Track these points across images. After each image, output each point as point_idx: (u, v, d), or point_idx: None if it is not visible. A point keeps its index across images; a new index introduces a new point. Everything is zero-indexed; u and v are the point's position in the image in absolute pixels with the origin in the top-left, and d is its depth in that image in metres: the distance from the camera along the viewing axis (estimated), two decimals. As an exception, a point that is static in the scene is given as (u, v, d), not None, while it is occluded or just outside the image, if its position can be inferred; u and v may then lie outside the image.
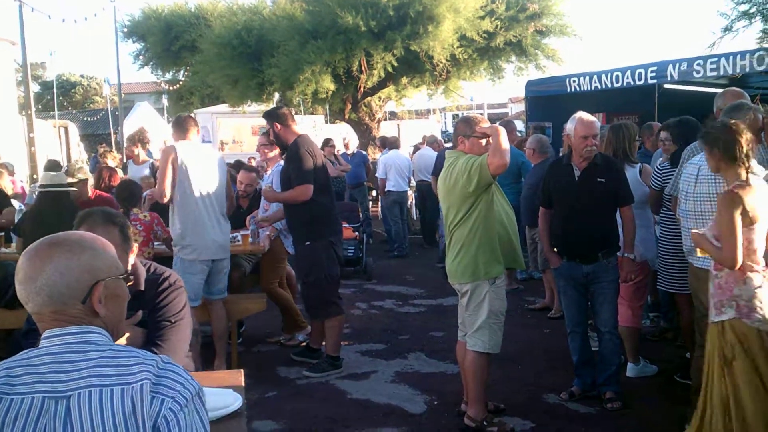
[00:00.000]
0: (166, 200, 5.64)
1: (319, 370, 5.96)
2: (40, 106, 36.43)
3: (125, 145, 12.22)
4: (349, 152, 13.71)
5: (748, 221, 3.65)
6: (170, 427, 1.66)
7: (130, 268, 2.96)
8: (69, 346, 1.72)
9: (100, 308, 1.81)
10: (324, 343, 6.11)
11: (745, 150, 3.75)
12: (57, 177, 5.87)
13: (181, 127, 5.85)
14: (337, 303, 6.02)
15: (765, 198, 3.75)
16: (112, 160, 10.08)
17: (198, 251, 5.71)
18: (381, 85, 16.65)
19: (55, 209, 5.65)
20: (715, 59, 8.75)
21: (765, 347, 3.72)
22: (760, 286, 3.72)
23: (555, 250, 5.17)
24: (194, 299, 5.65)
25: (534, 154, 7.53)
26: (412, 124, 28.05)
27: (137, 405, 1.65)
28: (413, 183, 12.80)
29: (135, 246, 3.02)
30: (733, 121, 3.91)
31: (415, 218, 14.41)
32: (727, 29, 4.00)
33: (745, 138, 3.77)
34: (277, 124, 5.89)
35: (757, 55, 8.11)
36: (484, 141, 4.54)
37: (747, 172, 3.76)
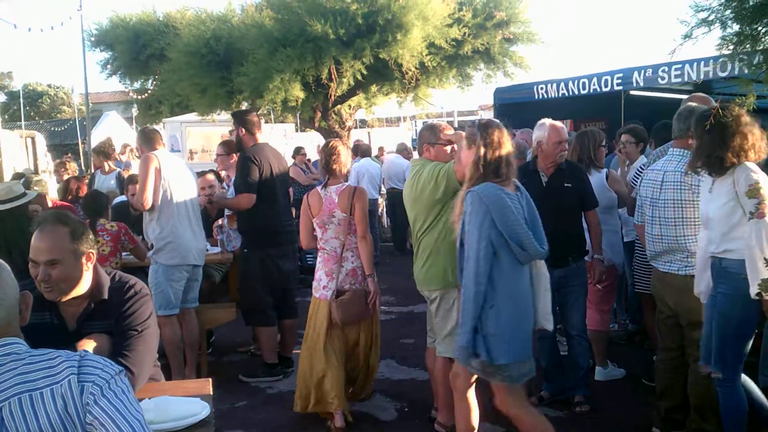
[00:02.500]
0: (148, 207, 5.59)
1: (253, 375, 6.09)
2: (6, 116, 35.97)
3: (93, 155, 12.10)
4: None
5: None
6: (94, 411, 1.70)
7: (85, 274, 2.93)
8: None
9: (27, 315, 1.93)
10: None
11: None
12: (11, 191, 5.69)
13: (148, 138, 5.84)
14: (266, 313, 6.06)
15: None
16: (69, 171, 10.00)
17: (182, 255, 5.70)
18: (351, 93, 16.64)
19: (12, 223, 5.47)
20: (680, 66, 8.87)
21: None
22: None
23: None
24: (174, 306, 5.64)
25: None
26: (382, 132, 28.11)
27: (68, 400, 1.69)
28: (383, 191, 12.82)
29: (93, 253, 2.97)
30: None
31: (386, 226, 14.43)
32: (687, 36, 4.06)
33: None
34: (242, 129, 6.03)
35: (720, 61, 8.24)
36: (449, 148, 4.59)
37: None
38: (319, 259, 5.18)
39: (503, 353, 3.57)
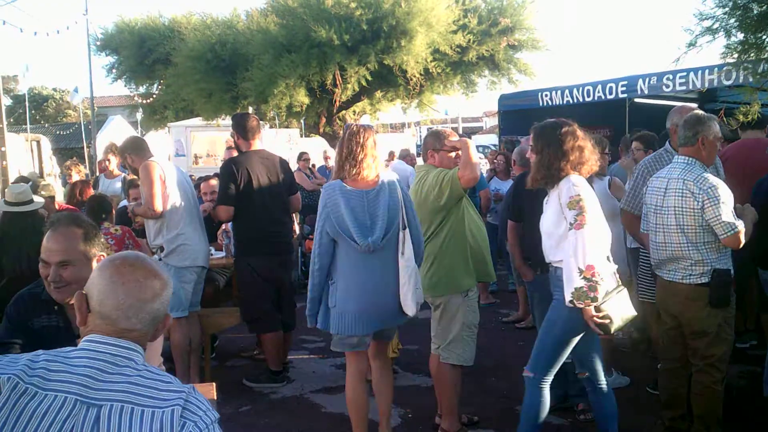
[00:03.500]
0: (160, 212, 5.57)
1: (256, 380, 6.08)
2: (12, 120, 36.04)
3: (98, 159, 12.12)
4: (328, 166, 13.69)
5: None
6: None
7: None
8: (109, 357, 1.78)
9: (159, 334, 1.97)
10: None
11: None
12: (20, 195, 5.72)
13: (140, 148, 5.81)
14: (264, 320, 6.04)
15: None
16: (77, 173, 10.01)
17: (192, 257, 5.73)
18: (355, 98, 16.70)
19: (20, 227, 5.51)
20: (684, 74, 8.89)
21: None
22: None
23: (528, 263, 5.21)
24: (186, 308, 5.66)
25: (515, 166, 7.50)
26: (387, 137, 28.13)
27: (166, 427, 1.70)
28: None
29: (104, 256, 2.98)
30: None
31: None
32: (691, 44, 4.08)
33: None
34: (237, 133, 6.05)
35: (724, 69, 8.25)
36: (453, 154, 4.59)
37: None
38: None
39: (333, 324, 4.24)
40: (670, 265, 4.30)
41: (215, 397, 3.01)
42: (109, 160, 9.60)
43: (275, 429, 5.14)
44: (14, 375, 1.68)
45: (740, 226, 4.02)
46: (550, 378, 4.13)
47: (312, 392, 5.85)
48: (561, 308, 3.87)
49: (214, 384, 3.19)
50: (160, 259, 5.70)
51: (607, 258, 3.86)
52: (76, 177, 9.57)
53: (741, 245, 4.09)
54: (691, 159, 4.24)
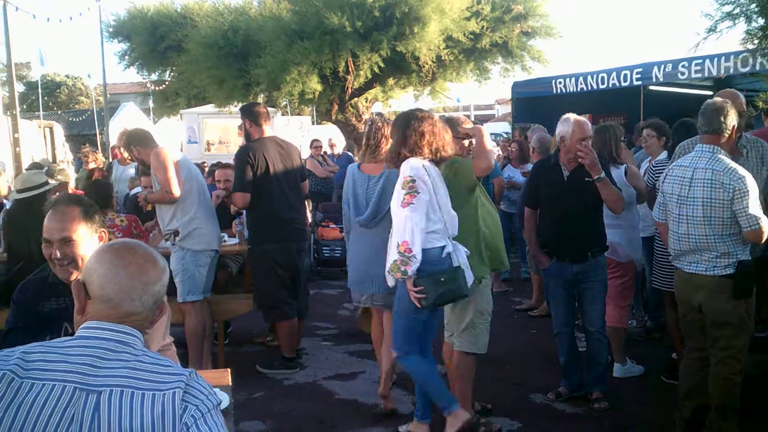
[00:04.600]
0: (177, 196, 5.56)
1: (269, 366, 6.08)
2: (24, 107, 36.18)
3: (112, 145, 12.13)
4: (335, 153, 13.68)
5: None
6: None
7: None
8: (107, 343, 1.77)
9: (156, 319, 1.97)
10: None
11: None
12: (31, 180, 5.75)
13: (147, 138, 5.80)
14: (280, 308, 6.01)
15: None
16: (94, 162, 10.03)
17: (207, 241, 5.75)
18: (368, 85, 16.61)
19: (31, 212, 5.53)
20: (700, 61, 8.80)
21: None
22: None
23: (544, 250, 5.18)
24: (200, 292, 5.67)
25: (534, 153, 7.44)
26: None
27: (167, 411, 1.70)
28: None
29: (105, 233, 3.05)
30: None
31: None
32: (711, 30, 4.02)
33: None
34: (247, 120, 6.02)
35: (741, 56, 8.16)
36: (466, 142, 4.55)
37: None
38: None
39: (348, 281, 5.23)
40: (691, 256, 4.23)
41: (230, 383, 3.01)
42: (121, 147, 9.60)
43: (288, 415, 5.14)
44: (9, 371, 1.67)
45: (764, 222, 3.98)
46: (416, 348, 4.34)
47: (325, 378, 5.85)
48: (402, 284, 4.18)
49: (228, 370, 3.19)
50: (173, 244, 5.70)
51: (450, 239, 4.17)
52: (93, 165, 9.58)
53: (762, 241, 4.05)
54: (715, 148, 4.17)
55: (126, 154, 9.49)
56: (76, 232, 2.90)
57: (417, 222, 4.00)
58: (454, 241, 4.20)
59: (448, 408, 4.21)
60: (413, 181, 4.03)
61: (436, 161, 4.18)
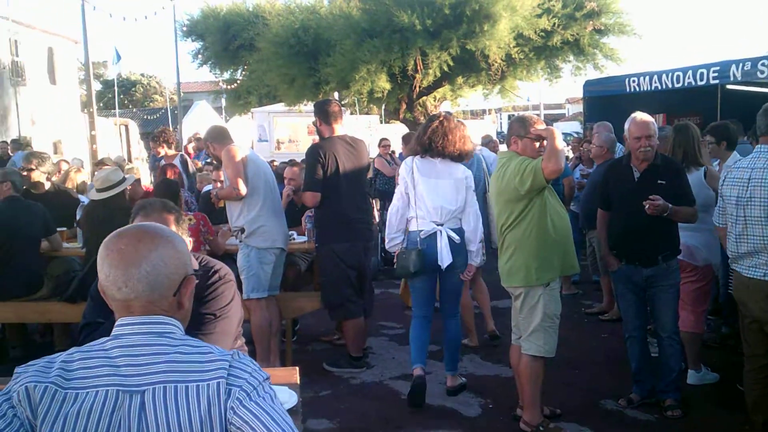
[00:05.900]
0: (244, 194, 5.67)
1: (336, 365, 6.11)
2: (101, 104, 37.22)
3: (184, 143, 12.33)
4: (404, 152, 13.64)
5: None
6: (240, 413, 1.66)
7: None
8: (143, 338, 1.72)
9: (185, 302, 1.84)
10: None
11: None
12: (110, 178, 5.94)
13: (223, 135, 5.99)
14: (346, 306, 6.01)
15: None
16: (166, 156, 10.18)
17: (272, 239, 5.81)
18: (436, 84, 16.57)
19: (107, 209, 5.78)
20: (781, 59, 8.50)
21: None
22: None
23: (614, 253, 5.06)
24: (265, 289, 5.75)
25: (606, 153, 7.25)
26: (467, 124, 27.90)
27: (213, 402, 1.65)
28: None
29: (189, 241, 3.07)
30: None
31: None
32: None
33: None
34: (318, 119, 6.04)
35: (827, 54, 7.85)
36: (537, 143, 4.47)
37: None
38: None
39: None
40: (749, 259, 4.08)
41: (298, 381, 3.02)
42: (192, 144, 9.80)
43: (355, 414, 5.16)
44: (51, 383, 1.64)
45: None
46: (419, 312, 5.44)
47: (391, 378, 5.85)
48: None
49: (297, 368, 3.19)
50: (240, 241, 5.79)
51: (417, 218, 5.15)
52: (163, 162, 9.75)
53: None
54: None
55: (190, 151, 9.72)
56: None
57: (391, 208, 5.36)
58: (445, 227, 5.12)
59: (412, 365, 5.28)
60: (399, 175, 5.22)
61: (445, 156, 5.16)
